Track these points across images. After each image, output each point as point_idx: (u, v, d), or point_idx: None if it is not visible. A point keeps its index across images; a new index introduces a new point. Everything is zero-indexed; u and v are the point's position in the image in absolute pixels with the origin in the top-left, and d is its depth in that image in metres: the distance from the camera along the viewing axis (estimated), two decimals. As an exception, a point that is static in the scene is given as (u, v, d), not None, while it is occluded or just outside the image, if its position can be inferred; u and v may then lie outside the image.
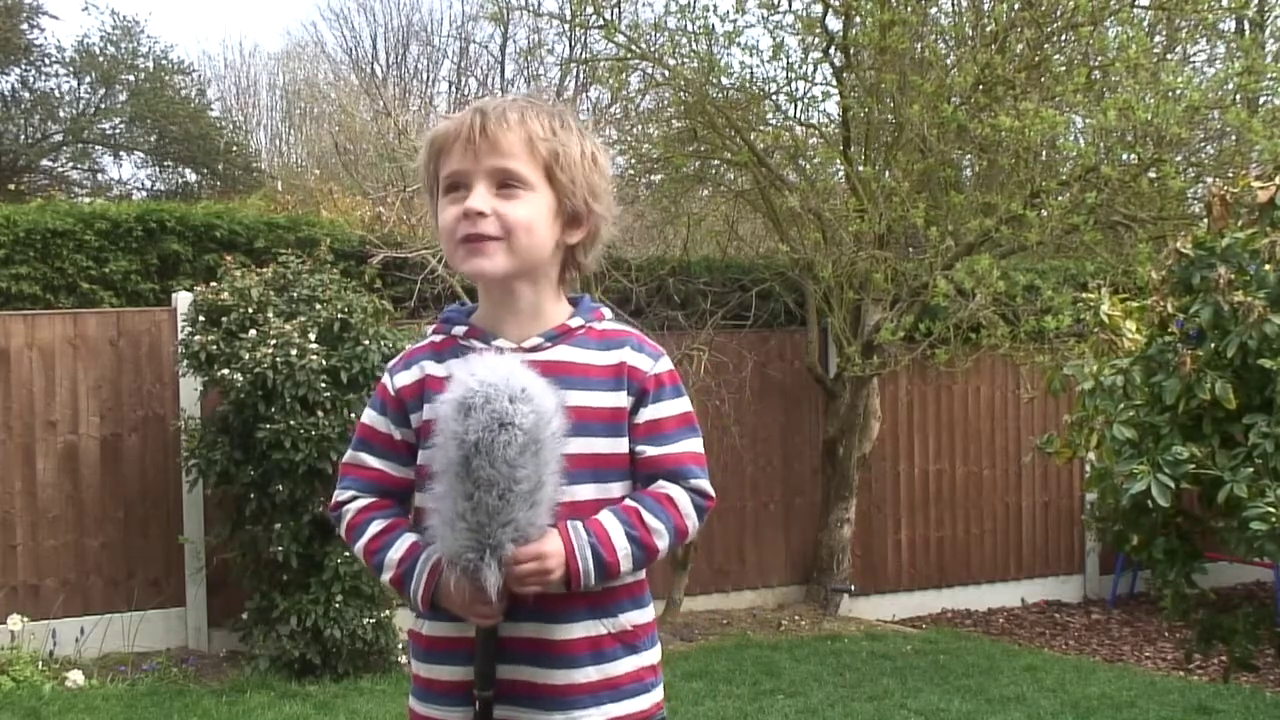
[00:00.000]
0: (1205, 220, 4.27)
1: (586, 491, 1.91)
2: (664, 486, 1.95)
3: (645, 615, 2.01)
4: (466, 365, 1.85)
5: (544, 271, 1.99)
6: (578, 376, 1.93)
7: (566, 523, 1.87)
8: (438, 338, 2.02)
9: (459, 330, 2.00)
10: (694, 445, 1.99)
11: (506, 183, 1.92)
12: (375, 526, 1.98)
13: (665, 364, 2.01)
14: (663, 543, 1.93)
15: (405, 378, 2.00)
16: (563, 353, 1.95)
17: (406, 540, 1.96)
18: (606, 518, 1.91)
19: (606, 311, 2.06)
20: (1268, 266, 3.85)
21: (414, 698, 2.03)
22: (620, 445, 1.95)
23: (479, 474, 1.77)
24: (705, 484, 1.98)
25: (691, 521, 1.96)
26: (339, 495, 2.04)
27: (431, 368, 1.97)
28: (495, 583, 1.82)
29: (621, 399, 1.95)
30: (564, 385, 1.88)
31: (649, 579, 2.06)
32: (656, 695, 2.02)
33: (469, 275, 1.99)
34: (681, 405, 2.00)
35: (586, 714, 1.93)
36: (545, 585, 1.86)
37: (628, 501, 1.94)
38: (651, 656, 2.02)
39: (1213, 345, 3.81)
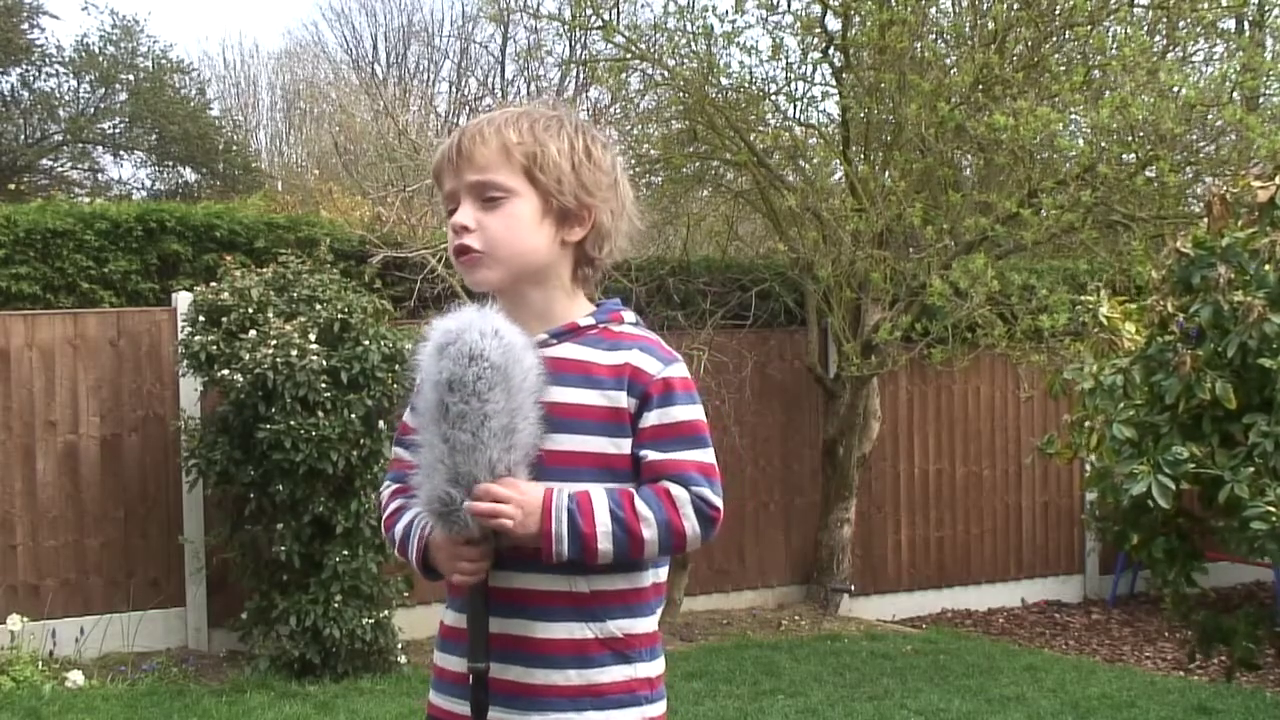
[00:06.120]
0: (1205, 220, 4.27)
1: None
2: (665, 484, 1.91)
3: (641, 625, 1.96)
4: (445, 315, 1.91)
5: (551, 272, 2.00)
6: (578, 374, 1.93)
7: (553, 486, 1.88)
8: None
9: None
10: (702, 455, 1.94)
11: (487, 194, 1.97)
12: (393, 505, 2.06)
13: (678, 369, 1.96)
14: (650, 533, 1.88)
15: None
16: (566, 350, 1.96)
17: (412, 509, 2.02)
18: (594, 489, 1.89)
19: (629, 315, 2.04)
20: (1268, 266, 3.86)
21: (431, 689, 2.06)
22: (623, 446, 1.93)
23: (452, 410, 1.82)
24: (710, 494, 1.92)
25: (690, 524, 1.90)
26: (380, 493, 2.14)
27: None
28: (473, 523, 1.85)
29: (622, 399, 1.93)
30: (563, 382, 1.91)
31: (658, 588, 2.00)
32: (651, 711, 1.96)
33: (474, 288, 2.04)
34: (692, 412, 1.95)
35: (564, 717, 1.90)
36: (516, 532, 1.85)
37: (624, 487, 1.92)
38: (648, 669, 1.96)
39: (1213, 345, 3.82)
